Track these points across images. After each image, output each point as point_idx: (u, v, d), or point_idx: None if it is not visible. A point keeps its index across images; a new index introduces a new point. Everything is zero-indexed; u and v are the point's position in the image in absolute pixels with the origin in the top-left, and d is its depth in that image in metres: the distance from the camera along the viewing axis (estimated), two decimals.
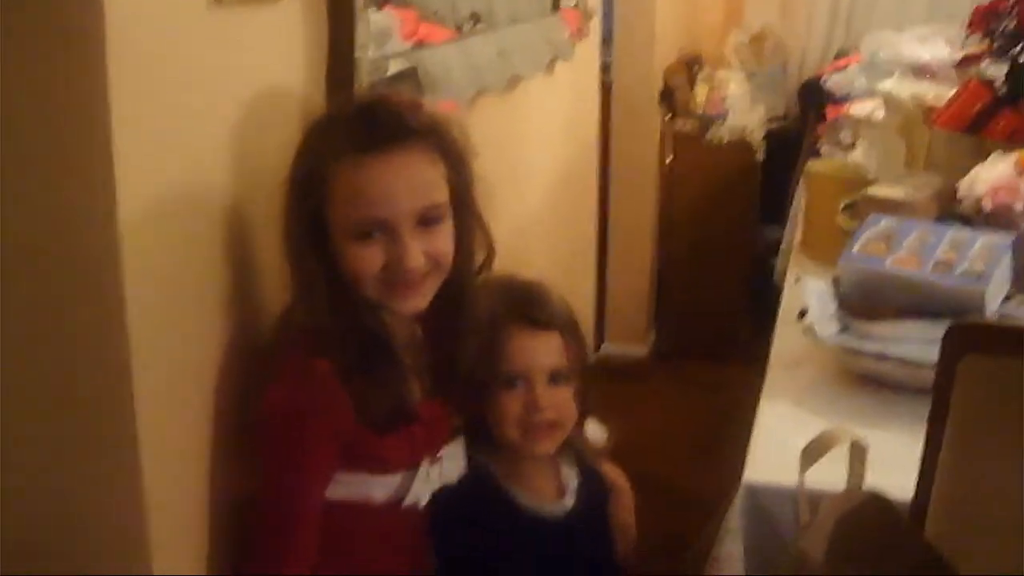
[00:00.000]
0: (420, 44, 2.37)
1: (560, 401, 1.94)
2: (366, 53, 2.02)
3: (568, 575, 1.99)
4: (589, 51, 4.09)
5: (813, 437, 1.78)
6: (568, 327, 1.98)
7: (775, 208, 4.92)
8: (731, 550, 1.98)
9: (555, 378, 1.94)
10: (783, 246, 4.06)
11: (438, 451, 1.84)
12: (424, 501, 1.81)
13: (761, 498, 1.98)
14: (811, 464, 1.74)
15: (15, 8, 1.36)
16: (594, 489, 2.06)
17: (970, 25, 3.46)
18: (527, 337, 1.93)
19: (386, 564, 1.83)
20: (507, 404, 1.92)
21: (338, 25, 1.96)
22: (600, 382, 4.88)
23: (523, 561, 1.95)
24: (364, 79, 2.00)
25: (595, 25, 4.13)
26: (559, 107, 3.70)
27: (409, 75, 2.34)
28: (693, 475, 4.11)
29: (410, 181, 1.65)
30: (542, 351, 1.94)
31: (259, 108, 1.74)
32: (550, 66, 3.44)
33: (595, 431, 2.13)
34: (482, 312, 1.85)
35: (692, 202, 5.54)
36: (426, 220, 1.67)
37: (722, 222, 5.53)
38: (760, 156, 5.43)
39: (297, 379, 1.65)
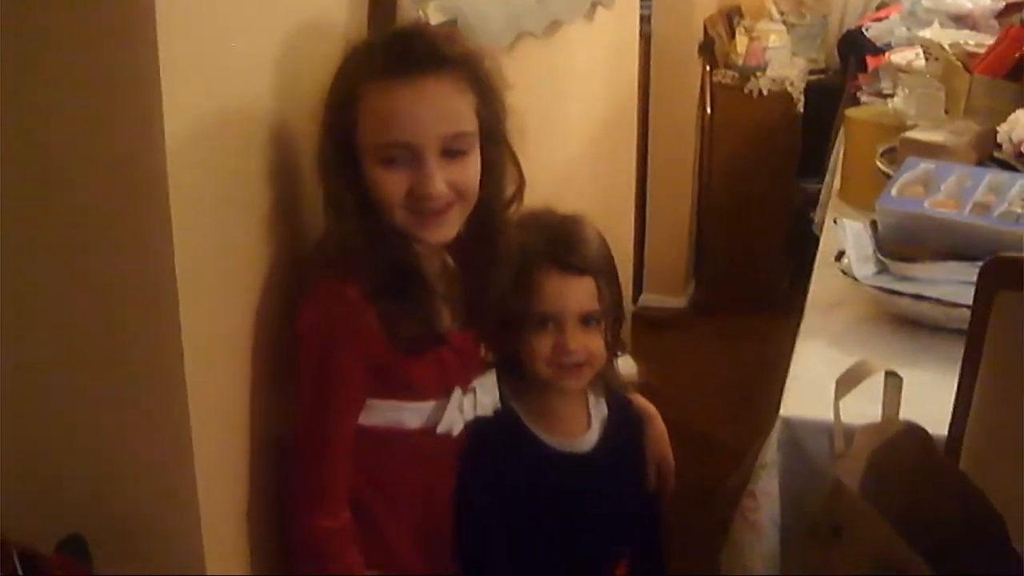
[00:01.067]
0: None
1: (591, 343, 1.94)
2: None
3: (596, 506, 2.00)
4: (629, 0, 4.08)
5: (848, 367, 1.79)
6: (603, 270, 1.98)
7: (815, 161, 4.89)
8: (766, 485, 2.00)
9: (587, 320, 1.94)
10: (822, 198, 4.05)
11: (470, 381, 1.86)
12: (458, 430, 1.83)
13: (797, 432, 2.00)
14: (846, 393, 1.76)
15: None
16: (624, 421, 2.09)
17: None
18: (560, 280, 1.93)
19: (422, 491, 1.85)
20: (538, 343, 1.93)
21: None
22: (638, 333, 4.93)
23: (549, 496, 1.97)
24: (405, 16, 2.01)
25: None
26: (599, 54, 3.70)
27: (449, 25, 2.35)
28: (729, 426, 4.10)
29: (437, 108, 1.65)
30: (575, 294, 1.94)
31: (303, 37, 1.75)
32: (590, 12, 3.43)
33: (626, 364, 2.14)
34: (515, 247, 1.86)
35: (731, 154, 5.53)
36: (451, 150, 1.67)
37: (762, 174, 5.51)
38: (800, 108, 5.40)
39: (327, 302, 1.67)
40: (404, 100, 1.64)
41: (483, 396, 1.88)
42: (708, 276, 5.74)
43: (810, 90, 5.49)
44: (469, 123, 1.70)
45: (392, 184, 1.66)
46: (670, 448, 2.19)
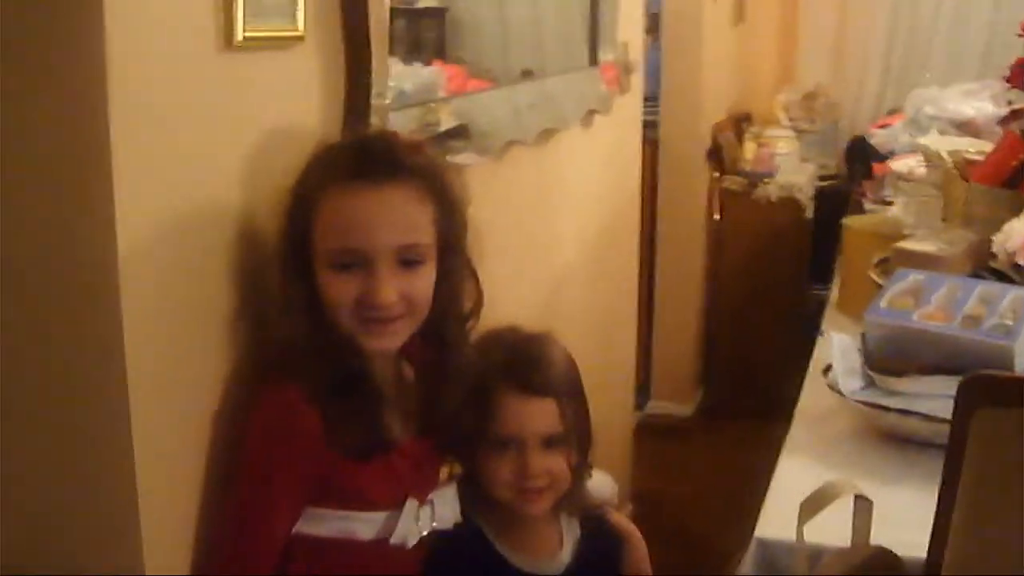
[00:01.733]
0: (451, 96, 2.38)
1: (553, 466, 1.87)
2: (383, 101, 2.02)
3: None
4: (631, 106, 4.07)
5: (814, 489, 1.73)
6: (567, 390, 1.91)
7: (826, 267, 4.87)
8: None
9: (549, 443, 1.87)
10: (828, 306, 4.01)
11: (427, 492, 1.81)
12: (412, 542, 1.77)
13: (773, 553, 1.94)
14: (810, 517, 1.70)
15: (16, 43, 1.38)
16: (599, 541, 2.01)
17: (1009, 79, 3.41)
18: (520, 402, 1.87)
19: None
20: (498, 467, 1.87)
21: (355, 73, 1.96)
22: (643, 440, 4.88)
23: None
24: (379, 122, 2.00)
25: (638, 81, 4.10)
26: (598, 162, 3.68)
27: (460, 131, 2.36)
28: (732, 535, 4.05)
29: (393, 216, 1.64)
30: (536, 417, 1.87)
31: (275, 140, 1.74)
32: (587, 120, 3.42)
33: (604, 483, 2.08)
34: (470, 363, 1.83)
35: (741, 260, 5.51)
36: (406, 260, 1.65)
37: (771, 280, 5.49)
38: (809, 214, 5.39)
39: (269, 405, 1.64)
40: (360, 207, 1.62)
41: (441, 509, 1.83)
42: (716, 383, 5.70)
43: (821, 196, 5.49)
44: (426, 234, 1.67)
45: (341, 290, 1.63)
46: (650, 569, 2.11)
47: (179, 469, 1.61)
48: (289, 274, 1.65)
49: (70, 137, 1.39)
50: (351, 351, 1.68)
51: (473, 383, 1.85)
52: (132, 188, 1.41)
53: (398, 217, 1.64)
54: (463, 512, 1.89)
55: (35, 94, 1.39)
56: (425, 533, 1.80)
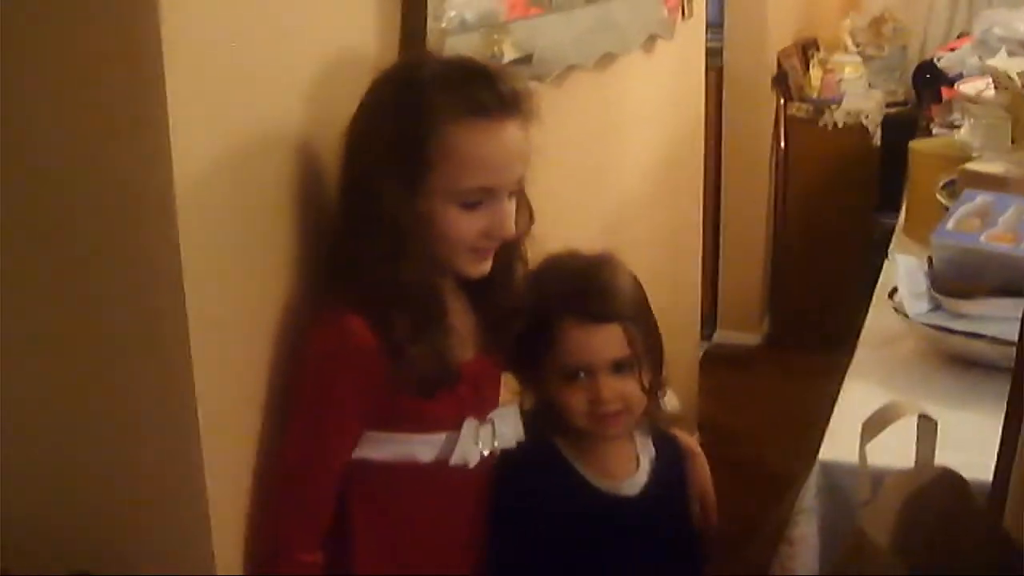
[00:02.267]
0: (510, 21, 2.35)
1: (626, 390, 1.88)
2: (440, 24, 2.00)
3: (646, 549, 1.94)
4: (695, 32, 4.02)
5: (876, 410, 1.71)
6: (632, 314, 1.90)
7: (894, 195, 4.79)
8: (804, 531, 1.93)
9: (619, 367, 1.87)
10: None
11: (487, 411, 1.81)
12: (474, 461, 1.77)
13: (837, 477, 1.93)
14: (872, 437, 1.67)
15: None
16: (671, 460, 2.02)
17: None
18: (586, 331, 1.87)
19: (438, 525, 1.81)
20: (571, 395, 1.88)
21: None
22: (711, 370, 4.87)
23: (599, 539, 1.92)
24: (434, 45, 1.98)
25: (701, 6, 4.05)
26: (660, 88, 3.64)
27: (524, 61, 2.35)
28: (799, 464, 4.03)
29: (517, 152, 1.67)
30: (602, 344, 1.87)
31: (331, 66, 1.74)
32: (648, 45, 3.38)
33: (668, 399, 2.07)
34: (531, 281, 1.85)
35: (807, 188, 5.45)
36: (513, 191, 1.70)
37: (838, 208, 5.43)
38: (877, 141, 5.31)
39: (334, 332, 1.64)
40: (492, 146, 1.64)
41: (502, 427, 1.83)
42: (783, 313, 5.65)
43: (888, 122, 5.40)
44: (529, 161, 1.72)
45: (471, 225, 1.67)
46: (711, 483, 2.11)
47: (240, 396, 1.61)
48: (401, 213, 1.63)
49: (123, 67, 1.39)
50: (438, 286, 1.71)
51: (536, 313, 1.85)
52: (187, 117, 1.41)
53: (521, 152, 1.68)
54: (542, 436, 1.92)
55: (87, 24, 1.39)
56: (487, 453, 1.80)
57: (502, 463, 1.87)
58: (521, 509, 1.89)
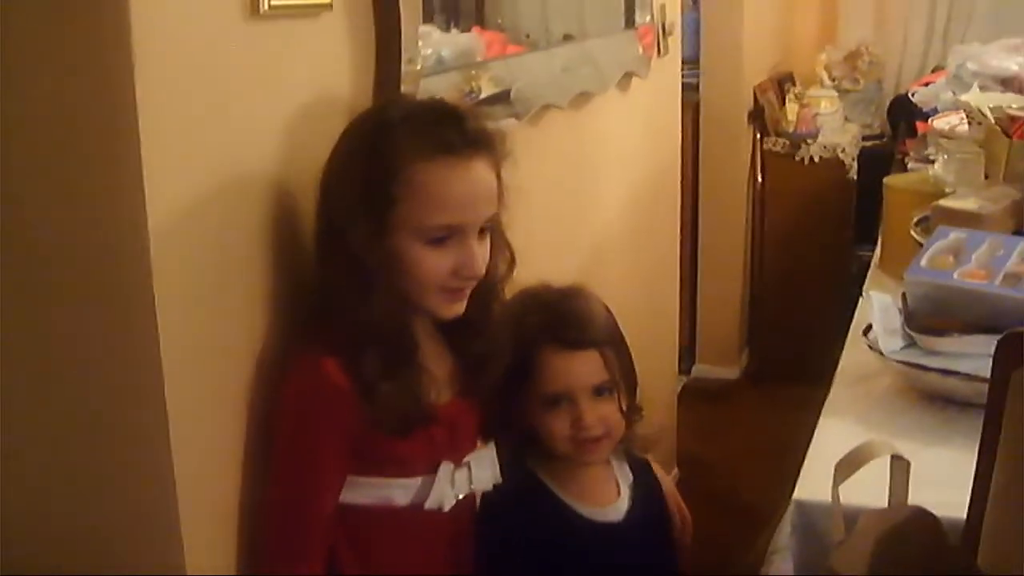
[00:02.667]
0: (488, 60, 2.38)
1: (607, 414, 1.93)
2: (414, 67, 2.01)
3: (634, 573, 1.99)
4: (670, 69, 4.04)
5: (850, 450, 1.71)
6: (608, 340, 1.95)
7: (871, 228, 4.82)
8: (780, 569, 1.92)
9: (599, 392, 1.92)
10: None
11: (463, 455, 1.81)
12: (449, 505, 1.78)
13: (812, 516, 1.93)
14: (845, 478, 1.67)
15: (40, 15, 1.38)
16: (647, 481, 2.07)
17: None
18: (566, 358, 1.92)
19: (413, 568, 1.81)
20: (553, 422, 1.92)
21: (386, 40, 1.96)
22: (690, 404, 4.87)
23: (589, 568, 1.96)
24: (408, 89, 1.99)
25: (676, 43, 4.07)
26: (637, 125, 3.65)
27: (500, 97, 2.37)
28: (776, 498, 4.04)
29: (484, 190, 1.68)
30: (583, 370, 1.92)
31: (301, 117, 1.74)
32: (623, 83, 3.40)
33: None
34: (509, 323, 1.86)
35: (784, 222, 5.47)
36: (483, 229, 1.70)
37: (816, 242, 5.44)
38: (853, 174, 5.34)
39: (309, 377, 1.64)
40: (458, 182, 1.65)
41: (478, 471, 1.83)
42: (762, 346, 5.66)
43: (865, 156, 5.43)
44: (498, 204, 1.72)
45: (437, 263, 1.66)
46: (679, 497, 2.16)
47: (216, 442, 1.61)
48: (370, 251, 1.63)
49: (96, 110, 1.40)
50: (410, 326, 1.71)
51: (514, 345, 1.88)
52: (160, 161, 1.41)
53: (488, 190, 1.68)
54: (523, 468, 1.96)
55: (61, 66, 1.40)
56: (461, 496, 1.80)
57: (486, 499, 1.90)
58: (508, 541, 1.92)
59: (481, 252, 1.69)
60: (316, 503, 1.68)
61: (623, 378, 1.96)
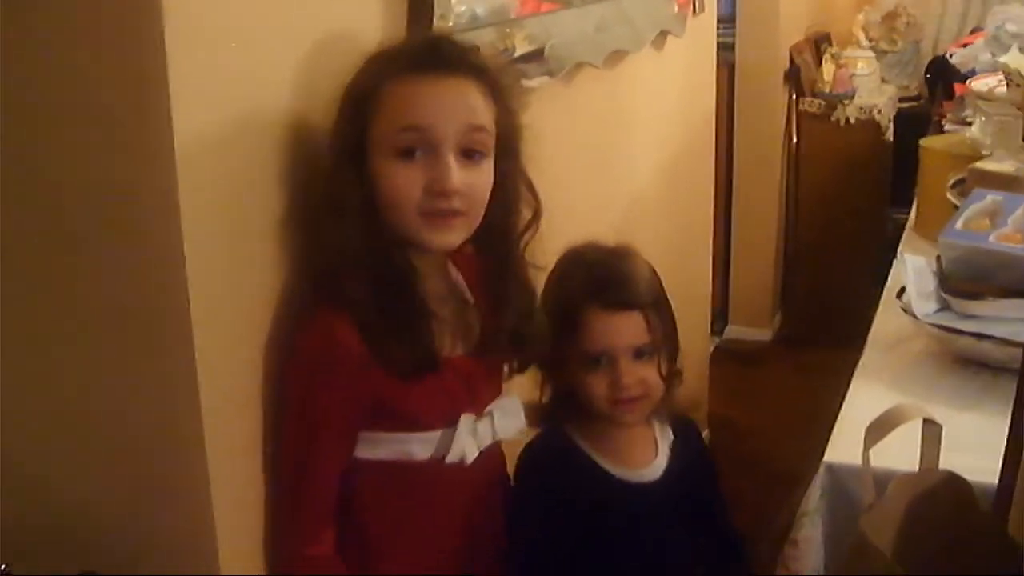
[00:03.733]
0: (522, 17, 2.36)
1: (646, 375, 1.93)
2: (446, 23, 2.00)
3: (672, 530, 1.98)
4: (706, 27, 4.01)
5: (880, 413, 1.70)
6: (651, 302, 1.95)
7: (907, 190, 4.78)
8: (809, 533, 1.92)
9: (639, 354, 1.92)
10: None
11: (483, 406, 1.80)
12: (472, 457, 1.77)
13: (842, 479, 1.92)
14: (876, 441, 1.66)
15: None
16: (690, 440, 2.08)
17: None
18: (608, 318, 1.92)
19: (436, 522, 1.80)
20: (593, 381, 1.92)
21: None
22: (721, 365, 4.86)
23: (621, 530, 1.96)
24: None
25: (712, 1, 4.03)
26: (672, 83, 3.63)
27: (534, 55, 2.36)
28: (807, 460, 4.03)
29: (458, 101, 1.63)
30: (624, 331, 1.92)
31: (334, 46, 1.73)
32: (658, 41, 3.37)
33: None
34: (530, 275, 1.82)
35: (819, 183, 5.44)
36: (469, 149, 1.64)
37: (851, 204, 5.41)
38: (890, 136, 5.30)
39: (317, 334, 1.63)
40: (425, 91, 1.62)
41: (502, 419, 1.82)
42: (795, 309, 5.64)
43: (901, 117, 5.38)
44: (488, 120, 1.66)
45: (407, 179, 1.62)
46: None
47: (243, 388, 1.61)
48: (342, 171, 1.63)
49: (125, 46, 1.39)
50: (402, 259, 1.68)
51: (559, 302, 1.91)
52: (187, 96, 1.40)
53: (463, 102, 1.64)
54: (559, 427, 1.98)
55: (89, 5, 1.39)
56: (486, 446, 1.80)
57: (520, 459, 1.95)
58: (541, 503, 1.94)
59: (461, 171, 1.63)
60: (326, 462, 1.68)
61: (664, 341, 1.96)
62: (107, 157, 1.43)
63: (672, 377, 1.99)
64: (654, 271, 2.01)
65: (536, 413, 2.00)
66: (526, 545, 1.93)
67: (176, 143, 1.40)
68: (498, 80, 1.69)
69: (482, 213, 1.69)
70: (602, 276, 1.94)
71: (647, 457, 2.00)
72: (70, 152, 1.45)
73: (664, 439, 2.03)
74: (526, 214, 1.77)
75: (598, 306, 1.91)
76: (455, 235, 1.68)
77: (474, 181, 1.65)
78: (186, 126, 1.41)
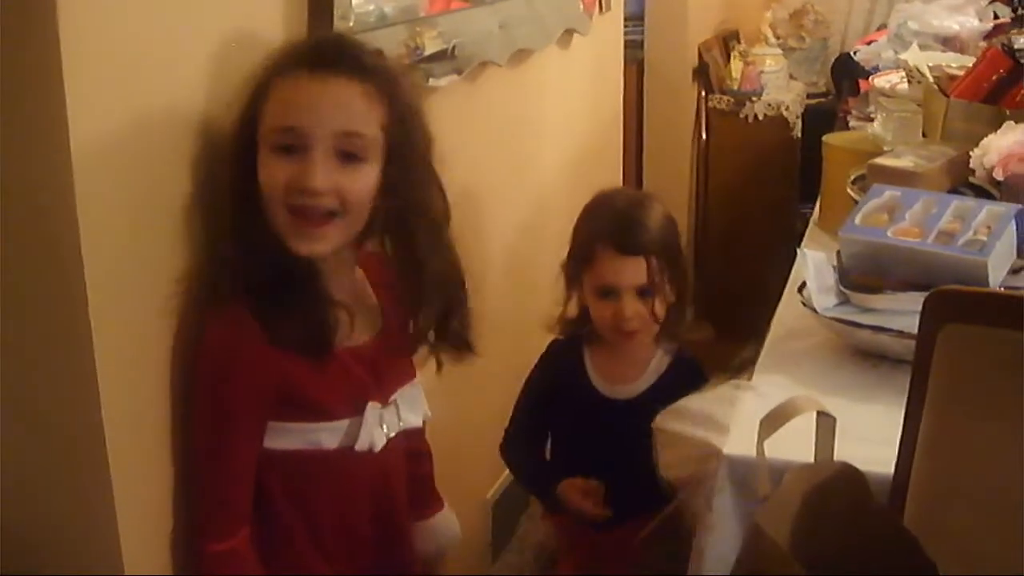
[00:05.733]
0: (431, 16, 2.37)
1: (645, 311, 2.36)
2: (347, 24, 2.01)
3: (634, 448, 2.06)
4: (612, 26, 4.03)
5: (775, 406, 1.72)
6: (658, 250, 2.34)
7: (815, 185, 4.82)
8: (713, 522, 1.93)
9: (642, 292, 2.34)
10: None
11: (390, 395, 1.81)
12: (380, 445, 1.78)
13: (743, 471, 1.93)
14: (770, 434, 1.68)
15: None
16: (684, 376, 2.41)
17: None
18: (617, 259, 2.34)
19: (350, 510, 1.83)
20: (601, 310, 2.39)
21: None
22: None
23: (591, 437, 2.47)
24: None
25: None
26: (578, 81, 3.65)
27: (443, 54, 2.41)
28: None
29: (338, 104, 1.66)
30: (629, 272, 2.34)
31: (236, 45, 1.74)
32: (564, 40, 3.39)
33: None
34: (443, 274, 1.85)
35: (729, 179, 5.47)
36: (346, 153, 1.66)
37: (760, 200, 5.45)
38: (798, 132, 5.34)
39: (219, 326, 1.66)
40: (303, 90, 1.65)
41: (406, 411, 1.84)
42: (705, 304, 5.66)
43: (809, 114, 5.43)
44: (369, 129, 1.68)
45: (275, 171, 1.64)
46: None
47: (140, 376, 1.62)
48: (237, 164, 1.66)
49: (19, 41, 1.39)
50: (277, 245, 1.68)
51: (581, 239, 2.39)
52: (84, 95, 1.42)
53: (342, 105, 1.66)
54: (578, 337, 2.47)
55: None
56: (393, 435, 1.81)
57: (546, 352, 2.53)
58: (536, 381, 2.53)
59: (334, 173, 1.65)
60: (235, 455, 1.70)
61: (670, 283, 2.38)
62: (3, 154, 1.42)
63: (677, 316, 2.43)
64: (670, 220, 2.43)
65: (560, 323, 2.50)
66: (517, 404, 2.53)
67: (72, 139, 1.41)
68: (391, 82, 1.71)
69: (363, 216, 1.70)
70: (617, 221, 2.37)
71: (631, 378, 2.45)
72: None
73: (656, 368, 2.46)
74: (437, 204, 1.80)
75: (611, 248, 2.33)
76: (324, 243, 1.69)
77: (347, 184, 1.66)
78: (83, 124, 1.42)
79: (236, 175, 1.66)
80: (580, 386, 2.44)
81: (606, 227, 2.36)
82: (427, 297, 1.81)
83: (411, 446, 1.97)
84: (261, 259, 1.65)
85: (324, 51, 1.69)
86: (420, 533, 2.08)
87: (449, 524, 2.17)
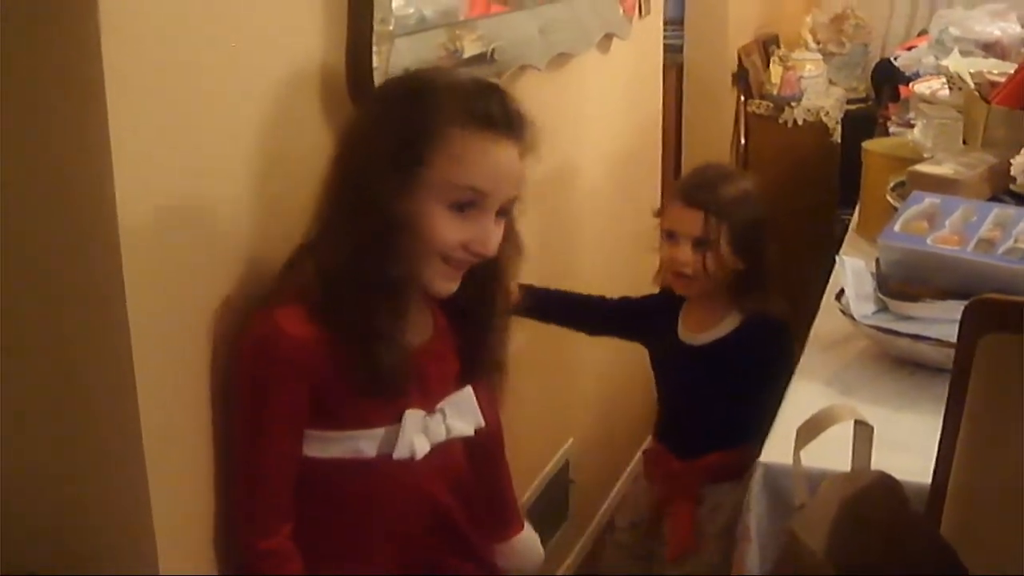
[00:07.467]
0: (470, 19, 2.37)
1: (697, 261, 2.54)
2: (387, 27, 2.00)
3: (701, 389, 2.67)
4: (652, 30, 4.02)
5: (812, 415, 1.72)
6: (719, 210, 2.52)
7: (854, 191, 4.80)
8: (749, 534, 1.93)
9: (698, 244, 2.53)
10: None
11: (435, 402, 1.82)
12: (422, 453, 1.78)
13: (779, 479, 1.93)
14: (807, 442, 1.68)
15: (11, 12, 1.38)
16: (755, 334, 2.64)
17: None
18: (679, 209, 2.58)
19: (398, 519, 1.84)
20: (666, 251, 2.63)
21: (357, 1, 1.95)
22: None
23: (669, 375, 2.80)
24: (384, 55, 1.98)
25: (659, 3, 4.04)
26: (618, 86, 3.64)
27: (482, 57, 2.40)
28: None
29: (513, 169, 1.73)
30: (688, 221, 2.55)
31: (273, 91, 1.75)
32: (603, 43, 3.38)
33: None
34: (509, 308, 1.93)
35: (767, 185, 5.37)
36: (502, 211, 1.74)
37: (799, 205, 5.40)
38: (837, 138, 5.31)
39: (273, 328, 1.66)
40: (496, 154, 1.70)
41: (454, 418, 1.84)
42: None
43: (849, 119, 5.40)
44: (520, 190, 1.77)
45: (456, 229, 1.69)
46: None
47: (182, 394, 1.63)
48: (389, 200, 1.66)
49: (66, 101, 1.41)
50: (407, 279, 1.71)
51: (667, 193, 2.72)
52: (131, 140, 1.42)
53: (515, 171, 1.74)
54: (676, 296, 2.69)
55: (31, 55, 1.41)
56: (439, 442, 1.81)
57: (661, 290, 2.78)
58: (642, 311, 2.83)
59: (496, 233, 1.73)
60: (277, 455, 1.71)
61: (732, 247, 2.54)
62: (53, 231, 1.47)
63: (747, 284, 2.61)
64: (749, 196, 2.61)
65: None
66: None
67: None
68: (531, 143, 1.76)
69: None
70: (691, 179, 2.68)
71: (704, 328, 2.66)
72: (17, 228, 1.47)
73: (727, 325, 2.64)
74: (512, 254, 1.86)
75: (679, 198, 2.59)
76: (457, 283, 1.76)
77: (499, 238, 1.75)
78: (130, 199, 1.43)
79: (393, 207, 1.66)
80: (668, 330, 2.71)
81: (683, 182, 2.73)
82: (496, 329, 1.89)
83: (482, 463, 2.02)
84: (377, 274, 1.67)
85: (503, 111, 1.72)
86: (500, 554, 2.08)
87: (530, 546, 2.16)
